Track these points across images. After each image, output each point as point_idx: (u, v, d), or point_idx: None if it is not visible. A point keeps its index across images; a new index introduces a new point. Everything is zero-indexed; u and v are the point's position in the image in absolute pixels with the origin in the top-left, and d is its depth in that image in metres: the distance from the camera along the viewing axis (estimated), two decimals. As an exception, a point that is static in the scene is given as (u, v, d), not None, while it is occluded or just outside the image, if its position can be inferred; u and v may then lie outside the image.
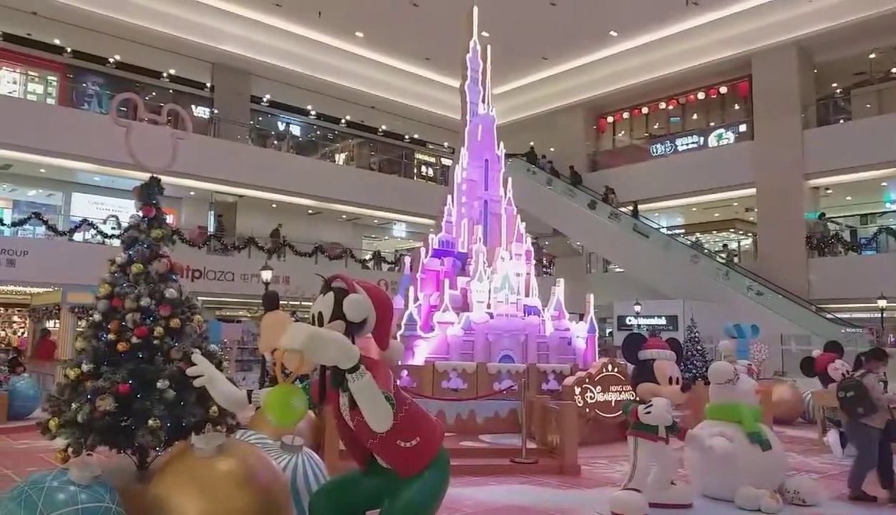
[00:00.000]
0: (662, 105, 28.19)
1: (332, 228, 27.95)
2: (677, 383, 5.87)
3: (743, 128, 25.59)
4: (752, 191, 23.82)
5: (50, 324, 14.79)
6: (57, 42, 23.27)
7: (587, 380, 9.32)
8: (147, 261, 4.29)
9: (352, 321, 3.11)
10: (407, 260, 11.88)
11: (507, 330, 10.63)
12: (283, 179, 23.53)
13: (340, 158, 30.63)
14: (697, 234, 27.66)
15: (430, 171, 32.75)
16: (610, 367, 9.58)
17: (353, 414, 3.06)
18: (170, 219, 22.92)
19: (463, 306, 10.68)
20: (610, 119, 30.24)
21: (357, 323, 3.13)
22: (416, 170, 32.25)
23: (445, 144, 32.57)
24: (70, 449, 3.91)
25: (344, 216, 28.35)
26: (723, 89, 26.19)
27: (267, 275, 16.28)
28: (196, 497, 3.30)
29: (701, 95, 26.77)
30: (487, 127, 12.34)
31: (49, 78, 23.69)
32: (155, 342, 4.09)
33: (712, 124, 26.94)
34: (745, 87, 25.06)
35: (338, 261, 24.80)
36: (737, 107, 26.42)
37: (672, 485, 5.87)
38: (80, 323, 12.20)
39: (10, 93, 22.12)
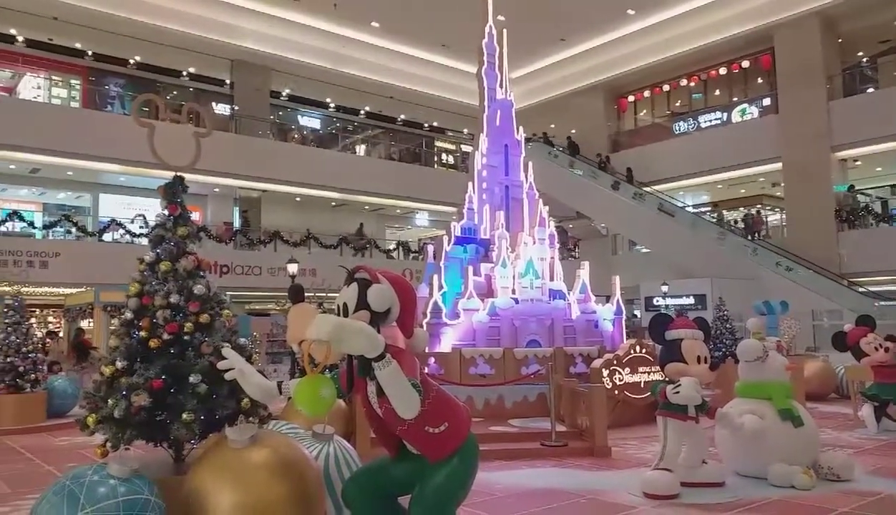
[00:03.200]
0: (684, 82, 27.79)
1: (356, 220, 28.10)
2: (705, 362, 5.84)
3: (767, 102, 25.14)
4: (779, 165, 23.43)
5: (84, 323, 15.10)
6: (78, 46, 23.60)
7: (615, 362, 9.28)
8: (174, 259, 4.34)
9: (376, 310, 3.14)
10: (430, 248, 11.87)
11: (533, 314, 10.61)
12: (305, 173, 23.69)
13: (361, 150, 30.70)
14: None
15: (451, 159, 32.68)
16: (638, 348, 9.52)
17: (380, 401, 3.11)
18: (196, 216, 23.19)
19: (487, 292, 10.68)
20: (631, 98, 29.91)
21: (381, 313, 3.17)
22: (436, 159, 32.20)
23: (465, 131, 32.46)
24: (108, 444, 4.00)
25: (367, 207, 28.45)
26: (745, 63, 25.74)
27: (293, 268, 16.44)
28: (231, 487, 3.38)
29: (723, 70, 26.35)
30: (506, 112, 12.25)
31: (72, 81, 24.05)
32: (185, 338, 4.15)
33: (735, 99, 26.52)
34: (768, 60, 24.60)
35: (363, 252, 24.97)
36: (760, 80, 25.97)
37: (703, 464, 5.85)
38: (112, 321, 12.42)
39: (35, 97, 22.52)
